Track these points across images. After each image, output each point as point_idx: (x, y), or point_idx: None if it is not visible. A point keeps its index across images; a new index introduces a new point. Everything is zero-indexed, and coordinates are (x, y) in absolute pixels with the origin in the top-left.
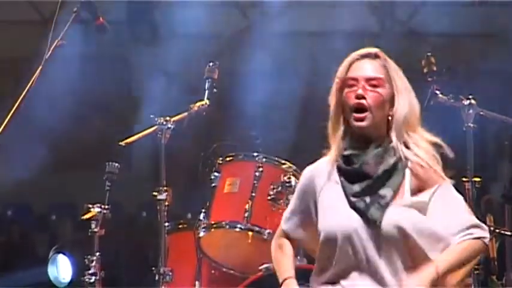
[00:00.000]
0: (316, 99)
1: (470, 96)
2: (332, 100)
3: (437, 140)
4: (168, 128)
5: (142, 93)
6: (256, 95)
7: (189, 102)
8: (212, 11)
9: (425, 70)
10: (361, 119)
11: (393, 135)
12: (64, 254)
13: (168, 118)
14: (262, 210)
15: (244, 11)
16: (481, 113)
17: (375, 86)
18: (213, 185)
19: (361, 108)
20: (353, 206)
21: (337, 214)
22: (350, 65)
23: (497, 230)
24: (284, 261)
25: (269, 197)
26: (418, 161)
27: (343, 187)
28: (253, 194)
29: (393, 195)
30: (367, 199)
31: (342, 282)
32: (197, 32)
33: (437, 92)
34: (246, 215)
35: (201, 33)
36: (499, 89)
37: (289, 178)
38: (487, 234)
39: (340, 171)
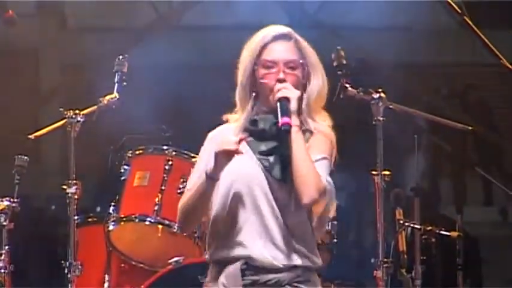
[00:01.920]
0: (223, 90)
1: (379, 90)
2: (244, 77)
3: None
4: (78, 121)
5: (51, 87)
6: (167, 88)
7: (99, 95)
8: (121, 4)
9: (335, 63)
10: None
11: (305, 111)
12: None
13: (77, 111)
14: (172, 203)
15: (153, 4)
16: (391, 106)
17: (292, 68)
18: (123, 178)
19: None
20: (258, 162)
21: (242, 164)
22: (265, 45)
23: (406, 223)
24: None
25: (179, 191)
26: (322, 133)
27: (250, 145)
28: (163, 188)
29: None
30: (271, 158)
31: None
32: (107, 25)
33: (347, 85)
34: (155, 208)
35: (111, 26)
36: (409, 82)
37: None
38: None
39: (248, 133)
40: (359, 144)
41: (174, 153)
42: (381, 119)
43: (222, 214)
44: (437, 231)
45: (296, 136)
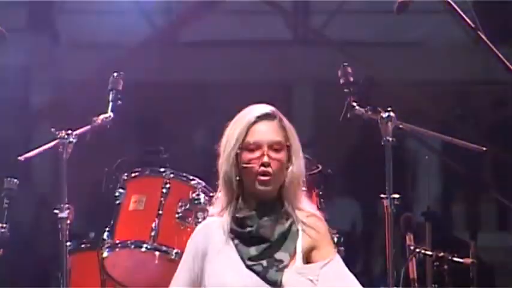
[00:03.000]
0: (226, 112)
1: (389, 109)
2: (228, 163)
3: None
4: (70, 141)
5: (43, 105)
6: (164, 107)
7: (92, 114)
8: (116, 19)
9: (341, 81)
10: (267, 183)
11: (287, 198)
12: None
13: (69, 131)
14: (170, 228)
15: (150, 19)
16: (400, 126)
17: (276, 150)
18: (118, 202)
19: (265, 174)
20: (250, 269)
21: (235, 275)
22: (249, 127)
23: (417, 250)
24: None
25: (177, 215)
26: (309, 223)
27: (239, 250)
28: (160, 212)
29: (289, 260)
30: (264, 262)
31: None
32: (101, 41)
33: (355, 104)
34: (152, 234)
35: (105, 42)
36: (420, 100)
37: (198, 195)
38: None
39: (234, 234)
40: (367, 166)
41: (171, 175)
42: (390, 139)
43: None
44: (450, 257)
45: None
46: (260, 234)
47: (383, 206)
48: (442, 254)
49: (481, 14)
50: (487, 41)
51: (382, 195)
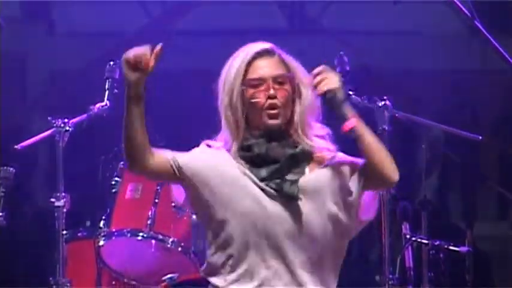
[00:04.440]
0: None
1: (384, 98)
2: (234, 97)
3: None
4: (66, 130)
5: (39, 93)
6: (160, 96)
7: (89, 103)
8: (111, 7)
9: (337, 70)
10: (275, 117)
11: (299, 129)
12: None
13: (66, 120)
14: (166, 217)
15: (146, 8)
16: (397, 114)
17: (281, 83)
18: (114, 190)
19: (273, 107)
20: (263, 189)
21: (248, 199)
22: (249, 64)
23: (413, 238)
24: None
25: (173, 204)
26: (319, 151)
27: (249, 174)
28: (157, 201)
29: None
30: (273, 185)
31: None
32: (96, 30)
33: (351, 92)
34: (148, 222)
35: (101, 31)
36: (416, 89)
37: None
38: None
39: (243, 160)
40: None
41: None
42: (386, 128)
43: (238, 256)
44: (446, 246)
45: (360, 124)
46: (269, 156)
47: (379, 194)
48: (438, 242)
49: (478, 4)
50: (484, 31)
51: None
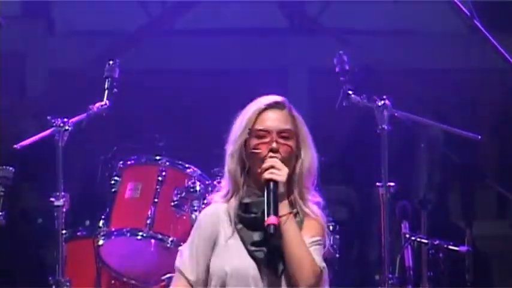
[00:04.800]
0: (223, 100)
1: (384, 97)
2: (235, 148)
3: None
4: (66, 130)
5: (38, 93)
6: (160, 95)
7: (88, 102)
8: (111, 6)
9: (337, 69)
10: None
11: (296, 191)
12: None
13: (65, 119)
14: (166, 216)
15: (146, 6)
16: (396, 114)
17: (286, 137)
18: (114, 190)
19: None
20: (251, 254)
21: (236, 260)
22: (258, 114)
23: (413, 238)
24: None
25: (173, 203)
26: (314, 217)
27: (241, 236)
28: (156, 200)
29: None
30: (265, 249)
31: None
32: (96, 29)
33: (350, 92)
34: (148, 221)
35: (101, 30)
36: (416, 89)
37: (194, 183)
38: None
39: (239, 219)
40: (362, 154)
41: (167, 163)
42: (386, 127)
43: None
44: (445, 245)
45: (287, 221)
46: (264, 220)
47: (378, 194)
48: (437, 242)
49: (478, 3)
50: (483, 30)
51: (377, 183)
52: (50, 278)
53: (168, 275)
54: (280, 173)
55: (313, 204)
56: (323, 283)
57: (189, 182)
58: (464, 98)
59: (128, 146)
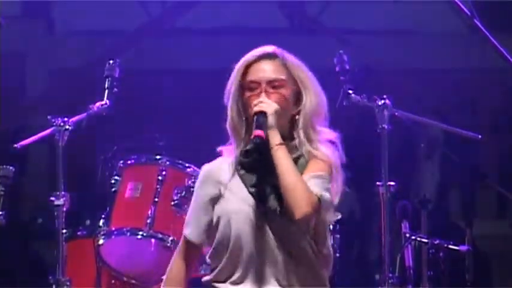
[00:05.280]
0: (221, 100)
1: (384, 96)
2: (231, 102)
3: (336, 137)
4: (66, 129)
5: (38, 92)
6: (160, 95)
7: (88, 102)
8: (111, 6)
9: (337, 69)
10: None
11: (300, 133)
12: None
13: (65, 119)
14: (166, 216)
15: (146, 6)
16: (396, 113)
17: (276, 87)
18: (114, 189)
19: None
20: (252, 194)
21: (238, 202)
22: (248, 66)
23: (413, 237)
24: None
25: (173, 202)
26: (320, 157)
27: (243, 179)
28: (156, 199)
29: None
30: (266, 189)
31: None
32: (96, 28)
33: (350, 91)
34: (148, 221)
35: (101, 30)
36: (416, 88)
37: (194, 182)
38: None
39: (241, 165)
40: (362, 154)
41: (167, 163)
42: (386, 127)
43: (223, 251)
44: (446, 245)
45: (278, 150)
46: (263, 160)
47: (379, 193)
48: (437, 241)
49: (478, 3)
50: (483, 29)
51: (378, 183)
52: (50, 277)
53: None
54: (266, 105)
55: (322, 144)
56: (324, 213)
57: (189, 182)
58: (464, 97)
59: (128, 145)
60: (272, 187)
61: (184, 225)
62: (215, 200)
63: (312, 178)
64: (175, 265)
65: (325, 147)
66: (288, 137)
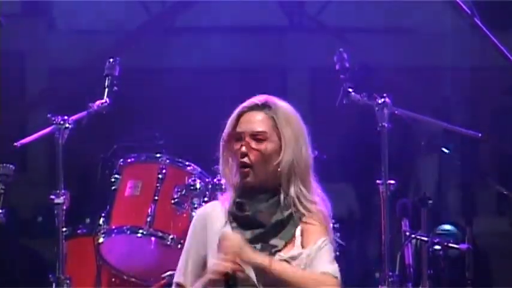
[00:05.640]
0: (222, 98)
1: (384, 95)
2: (223, 151)
3: (324, 196)
4: (66, 127)
5: (38, 91)
6: (160, 93)
7: (88, 100)
8: (111, 5)
9: (337, 67)
10: (246, 175)
11: (283, 187)
12: None
13: (65, 117)
14: (166, 214)
15: (146, 5)
16: (396, 112)
17: (259, 140)
18: (114, 188)
19: (243, 165)
20: None
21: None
22: (239, 117)
23: (412, 235)
24: None
25: (173, 201)
26: (310, 216)
27: (234, 231)
28: (156, 198)
29: (284, 246)
30: (258, 246)
31: None
32: (96, 27)
33: (350, 90)
34: (148, 219)
35: (101, 28)
36: (416, 87)
37: (194, 181)
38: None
39: (233, 218)
40: (362, 152)
41: (167, 161)
42: (386, 125)
43: None
44: (445, 243)
45: (274, 263)
46: (257, 219)
47: (379, 191)
48: (437, 240)
49: (478, 2)
50: (483, 28)
51: (378, 181)
52: (50, 276)
53: (169, 273)
54: (223, 266)
55: (312, 203)
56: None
57: (190, 180)
58: (464, 96)
59: (127, 144)
60: (266, 246)
61: (176, 272)
62: (205, 248)
63: (323, 247)
64: None
65: (316, 205)
66: (271, 191)
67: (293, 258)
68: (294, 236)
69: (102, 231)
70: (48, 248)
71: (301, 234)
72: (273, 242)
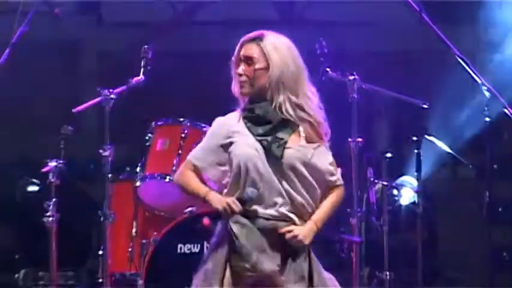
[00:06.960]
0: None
1: (354, 73)
2: (233, 71)
3: (321, 105)
4: (111, 98)
5: (90, 70)
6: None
7: (128, 77)
8: (145, 4)
9: (318, 52)
10: (241, 87)
11: (275, 97)
12: None
13: (111, 90)
14: None
15: (172, 4)
16: (363, 86)
17: (249, 63)
18: (147, 144)
19: (241, 81)
20: (258, 141)
21: (247, 146)
22: (241, 47)
23: (376, 181)
24: (196, 180)
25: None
26: (309, 120)
27: (250, 130)
28: (180, 152)
29: (288, 138)
30: (269, 138)
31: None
32: (134, 20)
33: (328, 69)
34: (174, 168)
35: (138, 22)
36: (378, 67)
37: None
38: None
39: (247, 119)
40: (338, 118)
41: (189, 124)
42: (355, 96)
43: (236, 187)
44: (402, 186)
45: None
46: (266, 117)
47: (349, 147)
48: (394, 183)
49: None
50: (429, 21)
51: (349, 139)
52: (99, 212)
53: (189, 209)
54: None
55: (301, 109)
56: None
57: None
58: (414, 72)
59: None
60: (274, 138)
61: (193, 156)
62: (225, 147)
63: (320, 147)
64: (188, 172)
65: (313, 109)
66: (270, 100)
67: (303, 147)
68: (294, 133)
69: (138, 177)
70: (97, 190)
71: (302, 134)
72: (279, 135)
